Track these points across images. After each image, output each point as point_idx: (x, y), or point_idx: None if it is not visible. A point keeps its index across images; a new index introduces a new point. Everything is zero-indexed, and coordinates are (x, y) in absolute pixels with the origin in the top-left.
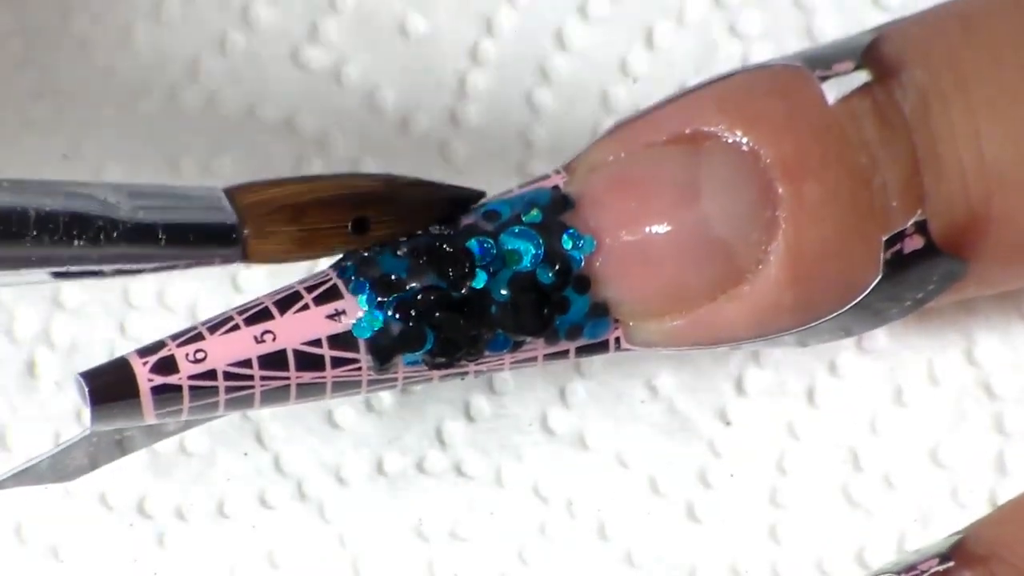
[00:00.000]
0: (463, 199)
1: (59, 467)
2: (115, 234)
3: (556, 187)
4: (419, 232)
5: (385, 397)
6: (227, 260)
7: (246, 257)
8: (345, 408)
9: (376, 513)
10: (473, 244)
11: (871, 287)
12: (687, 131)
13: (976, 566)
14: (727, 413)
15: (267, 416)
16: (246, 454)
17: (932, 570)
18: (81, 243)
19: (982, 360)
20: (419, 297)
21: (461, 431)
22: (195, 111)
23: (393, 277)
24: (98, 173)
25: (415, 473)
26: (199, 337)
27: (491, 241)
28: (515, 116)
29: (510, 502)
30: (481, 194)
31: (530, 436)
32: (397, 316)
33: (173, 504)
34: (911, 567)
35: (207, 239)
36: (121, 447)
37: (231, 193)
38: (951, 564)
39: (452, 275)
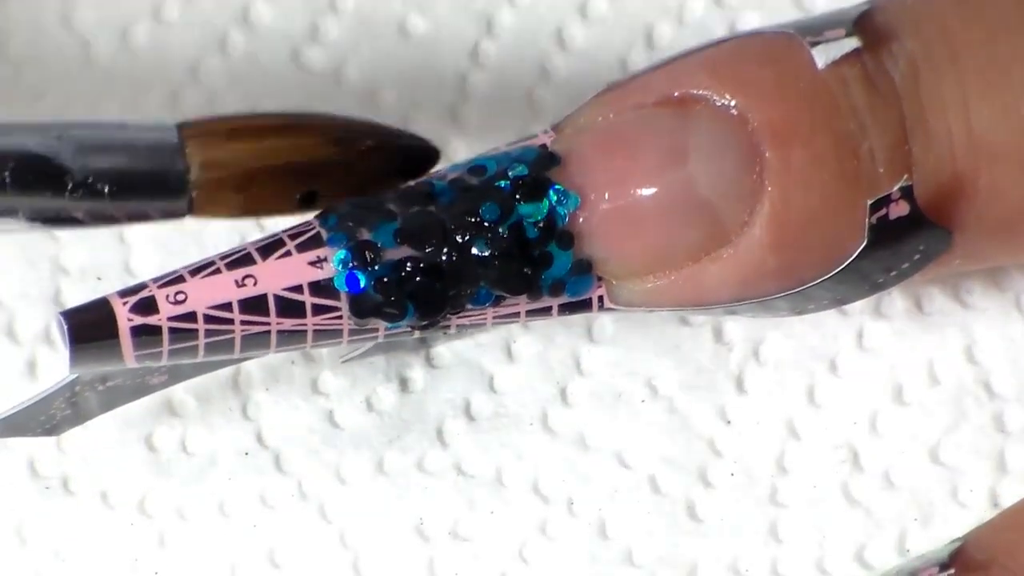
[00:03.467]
0: (418, 159)
1: (45, 418)
2: (66, 187)
3: (543, 145)
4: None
5: (386, 397)
6: (170, 215)
7: (190, 212)
8: (346, 407)
9: (377, 512)
10: (487, 210)
11: (856, 253)
12: (676, 94)
13: (977, 573)
14: (727, 412)
15: (268, 415)
16: (247, 453)
17: (934, 575)
18: (28, 192)
19: (982, 359)
20: (400, 273)
21: (462, 430)
22: (196, 111)
23: (376, 244)
24: None
25: (416, 472)
26: (180, 279)
27: (498, 209)
28: (516, 116)
29: (511, 501)
30: (436, 153)
31: (531, 435)
32: (376, 290)
33: (174, 503)
34: (912, 573)
35: (153, 197)
36: (105, 399)
37: (183, 141)
38: (951, 572)
39: (448, 249)
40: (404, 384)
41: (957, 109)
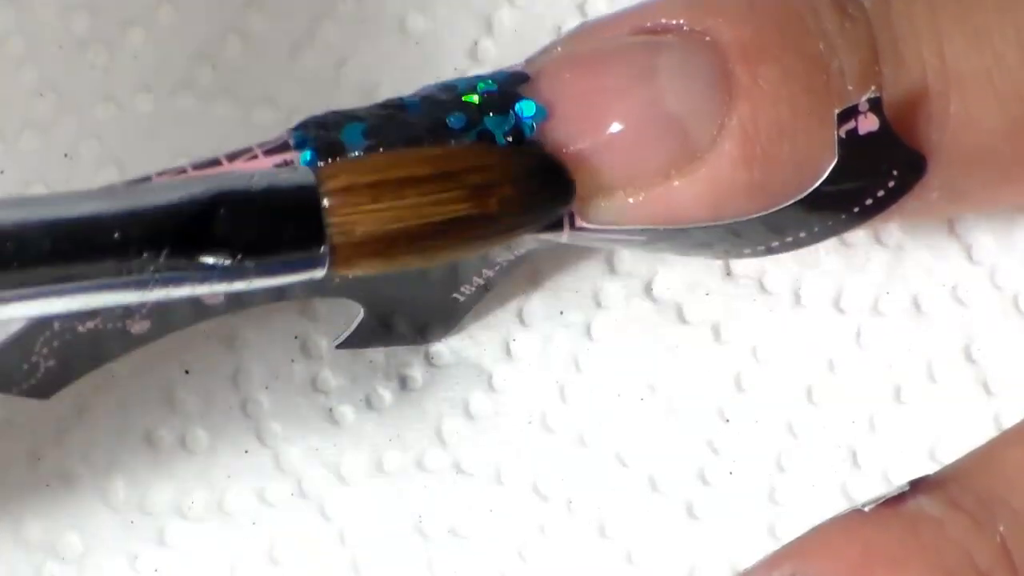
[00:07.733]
0: (553, 192)
1: (28, 367)
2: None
3: (516, 70)
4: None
5: (385, 395)
6: (306, 276)
7: (328, 270)
8: (345, 406)
9: (376, 511)
10: (454, 120)
11: (828, 170)
12: (649, 24)
13: (933, 491)
14: (726, 411)
15: (267, 414)
16: (246, 452)
17: (890, 495)
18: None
19: (980, 358)
20: None
21: (461, 429)
22: (195, 111)
23: (342, 143)
24: (97, 173)
25: (415, 471)
26: (147, 179)
27: (464, 118)
28: None
29: (510, 500)
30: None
31: (530, 434)
32: None
33: (174, 501)
34: (878, 499)
35: (291, 264)
36: (89, 348)
37: (320, 197)
38: (907, 489)
39: None
40: (403, 382)
41: (929, 35)
